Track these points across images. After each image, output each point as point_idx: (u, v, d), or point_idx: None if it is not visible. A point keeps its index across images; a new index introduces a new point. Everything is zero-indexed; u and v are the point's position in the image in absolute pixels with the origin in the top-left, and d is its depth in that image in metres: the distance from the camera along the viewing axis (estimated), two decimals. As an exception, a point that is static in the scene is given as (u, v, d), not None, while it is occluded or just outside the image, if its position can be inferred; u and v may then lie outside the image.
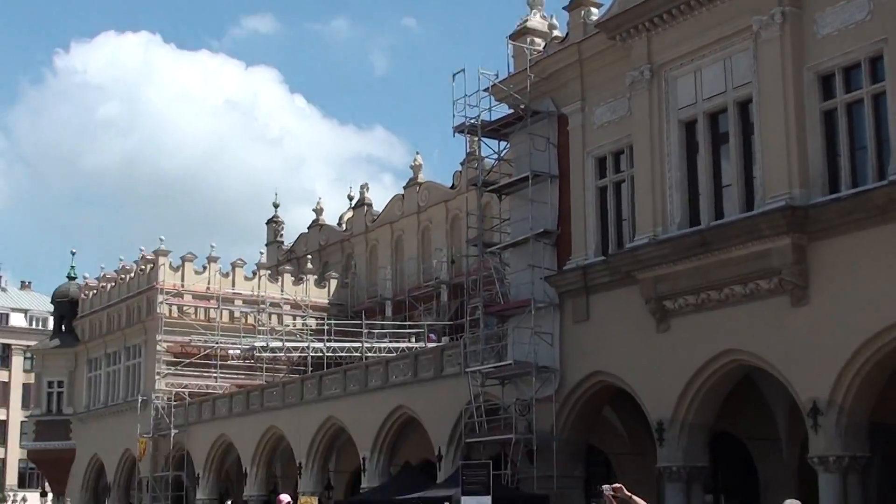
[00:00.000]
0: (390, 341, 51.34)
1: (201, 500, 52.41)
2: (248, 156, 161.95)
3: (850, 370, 26.47)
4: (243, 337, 55.72)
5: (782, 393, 29.95)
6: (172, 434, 54.08)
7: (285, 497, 21.40)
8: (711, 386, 30.27)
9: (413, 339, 50.95)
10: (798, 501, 14.07)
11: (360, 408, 43.39)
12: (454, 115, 36.73)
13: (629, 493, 14.64)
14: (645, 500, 15.11)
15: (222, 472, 53.77)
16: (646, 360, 31.08)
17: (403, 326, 53.05)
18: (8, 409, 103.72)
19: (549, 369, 33.98)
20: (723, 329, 29.12)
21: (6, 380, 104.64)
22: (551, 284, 34.18)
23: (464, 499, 27.14)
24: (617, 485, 15.07)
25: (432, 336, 50.05)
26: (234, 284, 58.32)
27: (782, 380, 28.24)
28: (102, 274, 65.12)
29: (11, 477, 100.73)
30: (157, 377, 55.87)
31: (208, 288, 57.63)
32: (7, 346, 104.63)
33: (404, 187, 59.03)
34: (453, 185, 54.90)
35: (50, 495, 72.36)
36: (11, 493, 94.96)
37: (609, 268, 32.43)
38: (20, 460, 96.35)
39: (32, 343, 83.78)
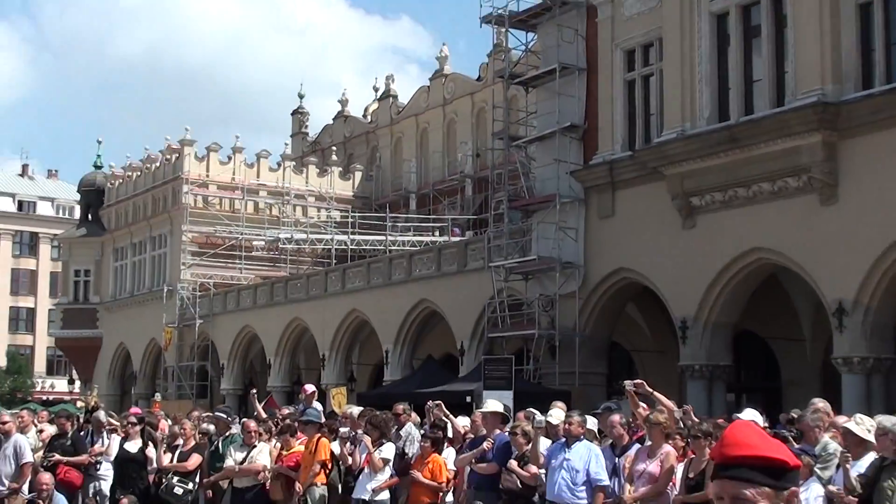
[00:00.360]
0: (414, 235, 51.20)
1: (226, 389, 52.75)
2: (273, 46, 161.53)
3: (877, 270, 26.15)
4: (268, 228, 55.59)
5: (808, 292, 29.71)
6: (197, 324, 54.29)
7: (310, 387, 21.50)
8: (736, 284, 30.04)
9: (437, 233, 50.80)
10: (823, 400, 13.92)
11: (383, 301, 43.40)
12: (481, 5, 36.32)
13: (650, 390, 14.56)
14: (667, 397, 15.00)
15: (247, 363, 54.05)
16: (671, 258, 30.84)
17: (427, 220, 52.84)
18: (35, 297, 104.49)
19: (573, 265, 33.82)
20: (749, 227, 28.77)
21: (34, 268, 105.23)
22: (577, 179, 33.87)
23: (486, 393, 27.00)
24: (638, 381, 14.98)
25: (456, 230, 49.88)
26: (258, 175, 58.04)
27: (808, 279, 27.98)
28: (128, 163, 64.94)
29: (40, 364, 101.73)
30: (182, 267, 55.92)
31: (233, 178, 57.39)
32: (34, 235, 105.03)
33: (430, 79, 58.36)
34: (480, 77, 54.26)
35: (77, 382, 73.11)
36: (40, 380, 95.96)
37: (636, 163, 32.05)
38: (48, 348, 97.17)
39: (59, 232, 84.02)
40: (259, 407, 21.05)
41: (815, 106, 26.52)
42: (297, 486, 16.21)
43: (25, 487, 17.08)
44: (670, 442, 13.27)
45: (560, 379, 33.17)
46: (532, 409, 16.29)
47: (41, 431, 19.80)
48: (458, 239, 45.43)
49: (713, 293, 30.09)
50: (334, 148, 62.91)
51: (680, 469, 12.90)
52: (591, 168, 33.65)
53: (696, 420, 14.50)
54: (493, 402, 16.71)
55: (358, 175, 60.50)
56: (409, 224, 52.64)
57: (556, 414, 14.90)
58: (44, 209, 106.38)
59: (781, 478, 3.47)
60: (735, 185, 29.06)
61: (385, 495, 15.84)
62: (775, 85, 28.43)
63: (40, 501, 16.49)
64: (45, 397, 74.60)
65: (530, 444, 14.26)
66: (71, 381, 79.41)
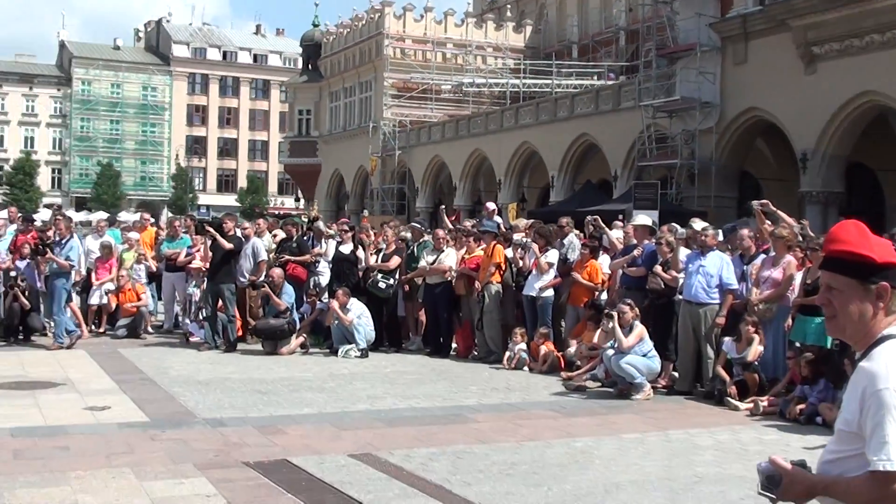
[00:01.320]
0: (576, 79, 50.41)
1: (420, 207, 53.37)
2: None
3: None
4: (454, 75, 55.35)
5: (913, 129, 28.61)
6: (397, 154, 54.79)
7: (490, 204, 21.57)
8: (850, 122, 29.18)
9: (595, 77, 49.90)
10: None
11: (549, 135, 43.09)
12: None
13: (774, 209, 14.13)
14: (788, 215, 14.58)
15: (437, 186, 54.47)
16: (794, 99, 29.96)
17: (587, 66, 51.86)
18: (268, 132, 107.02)
19: (710, 104, 33.16)
20: (862, 72, 27.73)
21: (266, 109, 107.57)
22: (715, 30, 32.92)
23: (635, 212, 26.74)
24: (764, 200, 14.58)
25: (611, 75, 48.88)
26: (445, 30, 57.58)
27: (914, 117, 26.93)
28: (340, 22, 65.03)
29: (272, 186, 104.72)
30: (384, 107, 56.21)
31: (425, 33, 57.09)
32: (267, 82, 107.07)
33: (591, -54, 56.73)
34: (633, -56, 52.52)
35: (302, 201, 74.84)
36: (272, 198, 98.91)
37: (766, 16, 30.98)
38: (278, 173, 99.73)
39: (286, 79, 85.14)
40: (447, 219, 21.17)
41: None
42: (477, 283, 16.40)
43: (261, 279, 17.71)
44: (791, 253, 12.96)
45: (698, 202, 32.80)
46: (674, 224, 16.05)
47: (274, 236, 20.28)
48: (612, 82, 44.59)
49: (830, 129, 29.29)
50: (508, 6, 61.86)
51: (799, 276, 12.61)
52: (727, 20, 32.65)
53: (813, 235, 14.10)
54: (643, 217, 16.52)
55: (528, 29, 59.52)
56: (572, 70, 51.78)
57: (698, 223, 14.68)
58: (273, 61, 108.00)
59: (875, 274, 3.12)
60: (850, 36, 28.00)
61: (549, 293, 15.90)
62: (891, -54, 26.99)
63: (269, 288, 17.02)
64: (276, 212, 76.59)
65: (672, 253, 14.09)
66: (297, 199, 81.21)
